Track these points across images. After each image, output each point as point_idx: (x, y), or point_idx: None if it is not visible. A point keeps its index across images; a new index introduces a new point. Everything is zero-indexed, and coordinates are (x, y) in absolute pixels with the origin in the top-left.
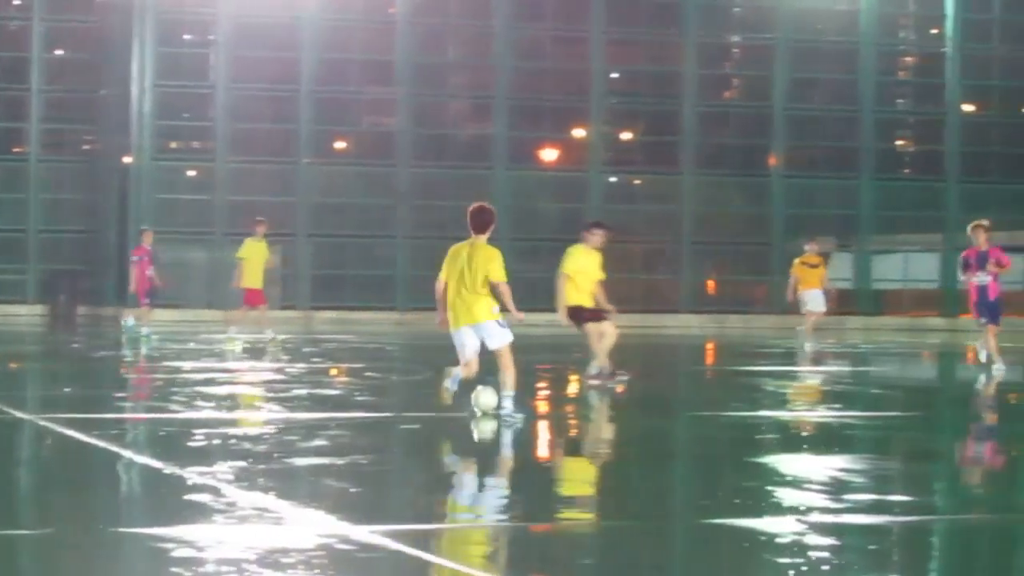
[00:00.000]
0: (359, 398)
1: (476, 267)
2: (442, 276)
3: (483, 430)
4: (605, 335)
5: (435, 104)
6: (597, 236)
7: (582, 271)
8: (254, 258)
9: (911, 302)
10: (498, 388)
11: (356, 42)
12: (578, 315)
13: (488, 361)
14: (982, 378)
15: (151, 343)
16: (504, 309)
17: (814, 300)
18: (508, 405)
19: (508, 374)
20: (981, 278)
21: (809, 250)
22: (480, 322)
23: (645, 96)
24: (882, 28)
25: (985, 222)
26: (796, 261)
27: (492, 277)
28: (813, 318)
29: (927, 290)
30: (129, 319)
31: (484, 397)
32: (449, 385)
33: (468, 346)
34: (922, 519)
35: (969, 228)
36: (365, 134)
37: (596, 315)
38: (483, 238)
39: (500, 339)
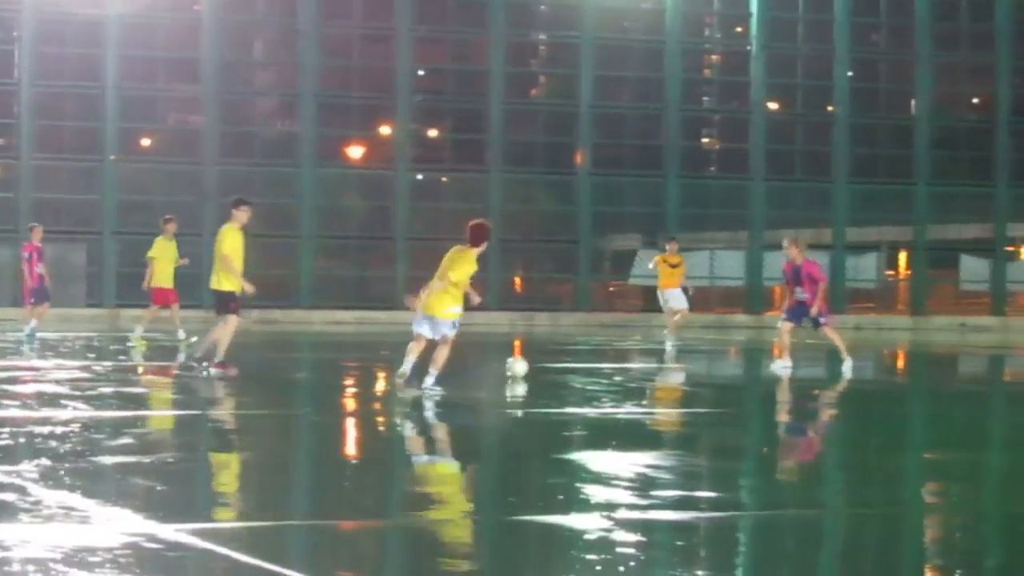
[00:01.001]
0: (167, 396)
1: (453, 268)
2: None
3: (292, 428)
4: (228, 324)
5: (241, 102)
6: (244, 213)
7: (237, 250)
8: (163, 257)
9: (717, 299)
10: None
11: (161, 39)
12: (223, 301)
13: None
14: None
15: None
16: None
17: (676, 298)
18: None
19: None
20: (800, 294)
21: (670, 249)
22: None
23: (452, 94)
24: (687, 27)
25: (799, 238)
26: (657, 258)
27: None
28: (676, 316)
29: (733, 287)
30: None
31: (518, 366)
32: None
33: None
34: (728, 515)
35: (784, 243)
36: (171, 131)
37: (229, 306)
38: (475, 251)
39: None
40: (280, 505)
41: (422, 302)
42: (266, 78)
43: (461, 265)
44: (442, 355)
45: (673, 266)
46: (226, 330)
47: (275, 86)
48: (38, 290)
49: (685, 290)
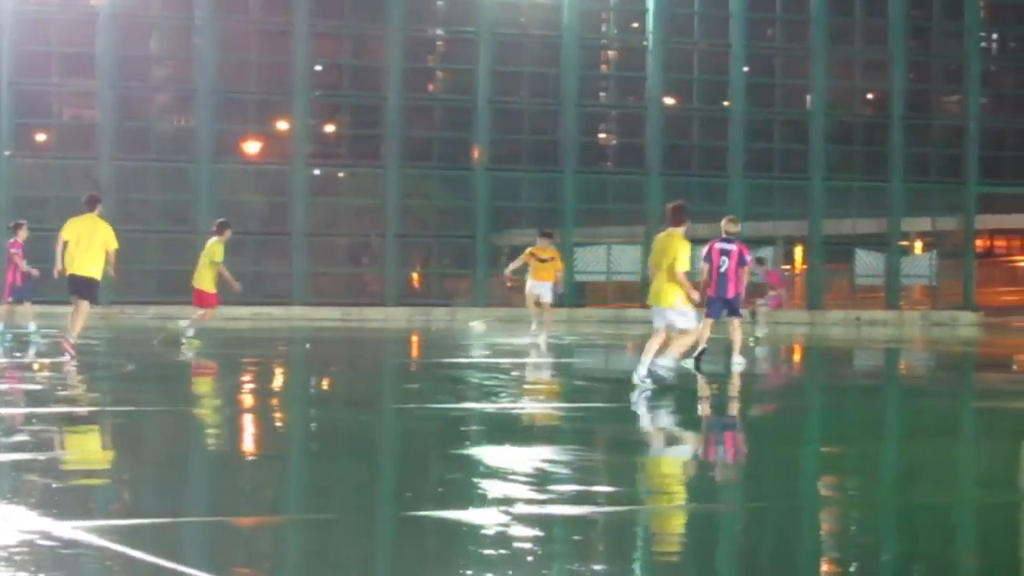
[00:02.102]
0: (62, 393)
1: (667, 255)
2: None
3: (192, 424)
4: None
5: (137, 97)
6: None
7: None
8: (207, 261)
9: (614, 294)
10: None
11: (56, 34)
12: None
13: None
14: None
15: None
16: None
17: (544, 292)
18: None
19: (674, 347)
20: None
21: (541, 243)
22: (663, 306)
23: (349, 89)
24: (584, 22)
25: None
26: (528, 251)
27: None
28: (536, 310)
29: (629, 282)
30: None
31: (478, 325)
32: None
33: (656, 322)
34: (626, 509)
35: (725, 222)
36: (66, 127)
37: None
38: (679, 230)
39: (682, 322)
40: (176, 501)
41: (651, 295)
42: (162, 73)
43: (673, 250)
44: (678, 342)
45: (543, 260)
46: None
47: (171, 81)
48: (23, 287)
49: (555, 285)
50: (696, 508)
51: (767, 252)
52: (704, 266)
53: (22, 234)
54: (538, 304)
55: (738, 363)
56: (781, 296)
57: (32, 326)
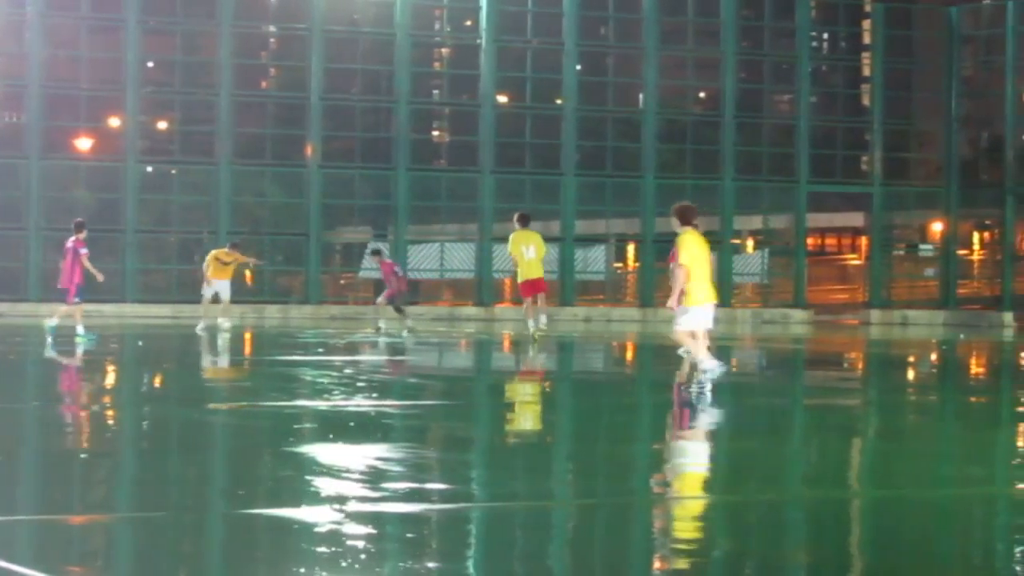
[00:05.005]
0: None
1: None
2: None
3: (20, 421)
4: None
5: None
6: None
7: None
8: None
9: (448, 291)
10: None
11: None
12: None
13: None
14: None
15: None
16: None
17: (223, 289)
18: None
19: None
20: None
21: (227, 249)
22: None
23: (181, 86)
24: (417, 19)
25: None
26: (211, 254)
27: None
28: (208, 304)
29: (463, 279)
30: (53, 320)
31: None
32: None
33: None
34: (459, 506)
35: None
36: None
37: None
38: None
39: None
40: (3, 500)
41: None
42: None
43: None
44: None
45: (225, 263)
46: None
47: (1, 77)
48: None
49: (233, 282)
50: (529, 505)
51: (382, 245)
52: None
53: (84, 233)
54: (211, 302)
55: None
56: (395, 289)
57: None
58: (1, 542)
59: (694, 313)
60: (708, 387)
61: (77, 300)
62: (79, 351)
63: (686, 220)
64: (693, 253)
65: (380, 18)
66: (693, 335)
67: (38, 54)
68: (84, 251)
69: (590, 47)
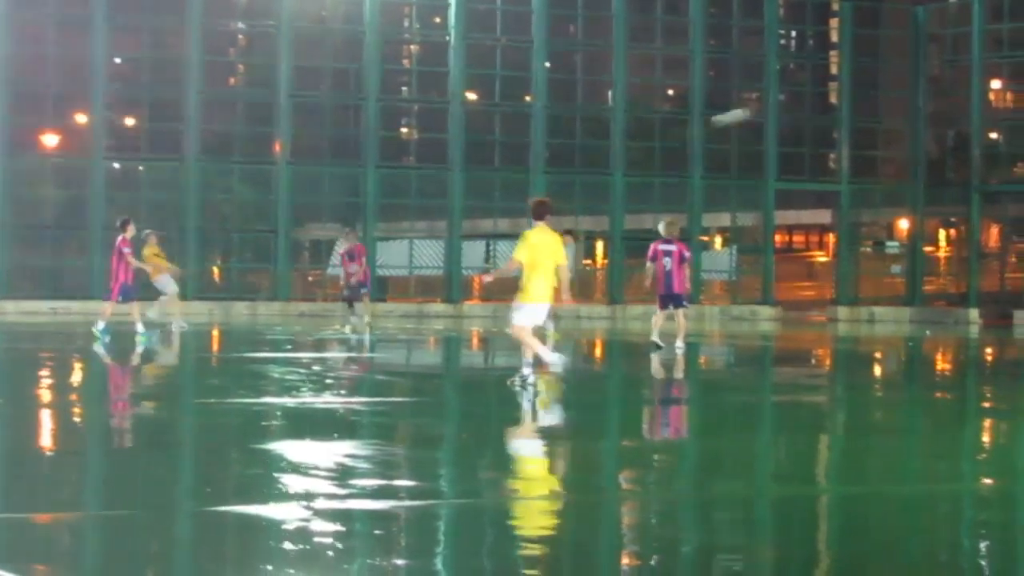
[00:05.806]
0: None
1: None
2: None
3: None
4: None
5: None
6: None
7: None
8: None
9: (416, 288)
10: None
11: None
12: None
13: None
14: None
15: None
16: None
17: (167, 283)
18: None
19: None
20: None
21: (154, 241)
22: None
23: (148, 82)
24: (386, 16)
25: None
26: (147, 252)
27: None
28: (165, 299)
29: (432, 276)
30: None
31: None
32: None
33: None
34: (427, 503)
35: (662, 225)
36: None
37: None
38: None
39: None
40: None
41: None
42: None
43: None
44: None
45: (160, 256)
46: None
47: None
48: (130, 286)
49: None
50: (495, 502)
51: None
52: (649, 266)
53: (130, 231)
54: (170, 299)
55: (680, 348)
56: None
57: (140, 326)
58: None
59: (528, 310)
60: (531, 379)
61: (120, 299)
62: (139, 349)
63: (537, 216)
64: (534, 251)
65: (349, 15)
66: (529, 330)
67: (3, 51)
68: (127, 250)
69: (559, 44)
